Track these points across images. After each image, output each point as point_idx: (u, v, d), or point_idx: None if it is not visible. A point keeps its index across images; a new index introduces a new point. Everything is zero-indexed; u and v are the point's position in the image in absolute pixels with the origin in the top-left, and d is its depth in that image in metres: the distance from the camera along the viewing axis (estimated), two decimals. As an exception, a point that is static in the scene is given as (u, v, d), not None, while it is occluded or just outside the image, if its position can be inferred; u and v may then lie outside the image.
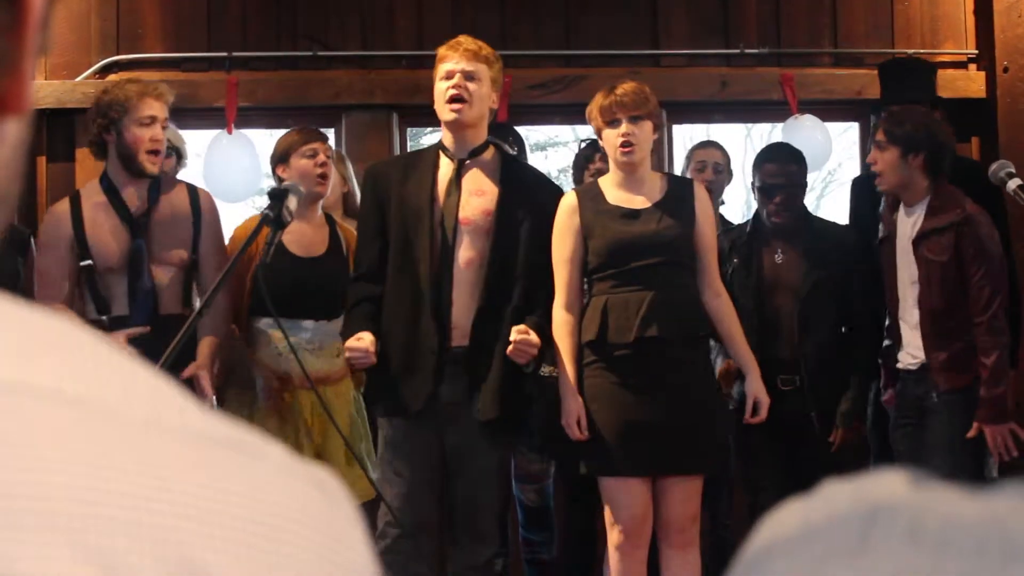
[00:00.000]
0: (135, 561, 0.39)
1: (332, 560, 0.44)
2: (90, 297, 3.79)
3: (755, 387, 3.75)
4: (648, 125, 3.70)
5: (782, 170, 4.31)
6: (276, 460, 0.45)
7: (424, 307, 3.55)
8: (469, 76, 3.59)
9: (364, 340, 3.52)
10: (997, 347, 3.84)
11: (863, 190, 4.74)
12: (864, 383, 4.27)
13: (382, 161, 4.06)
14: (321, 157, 4.09)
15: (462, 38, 3.69)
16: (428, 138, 10.26)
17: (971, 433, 3.86)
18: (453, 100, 3.58)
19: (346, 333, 3.63)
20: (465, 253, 3.59)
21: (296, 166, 4.07)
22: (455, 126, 3.63)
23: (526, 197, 3.67)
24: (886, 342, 4.20)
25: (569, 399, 3.64)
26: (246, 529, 0.42)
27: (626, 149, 3.67)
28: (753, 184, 4.41)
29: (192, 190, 3.98)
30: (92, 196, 3.85)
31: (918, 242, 3.94)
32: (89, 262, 3.77)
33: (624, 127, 3.66)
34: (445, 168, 3.66)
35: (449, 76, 3.60)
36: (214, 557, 0.40)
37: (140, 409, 0.43)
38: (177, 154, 4.47)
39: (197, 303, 3.85)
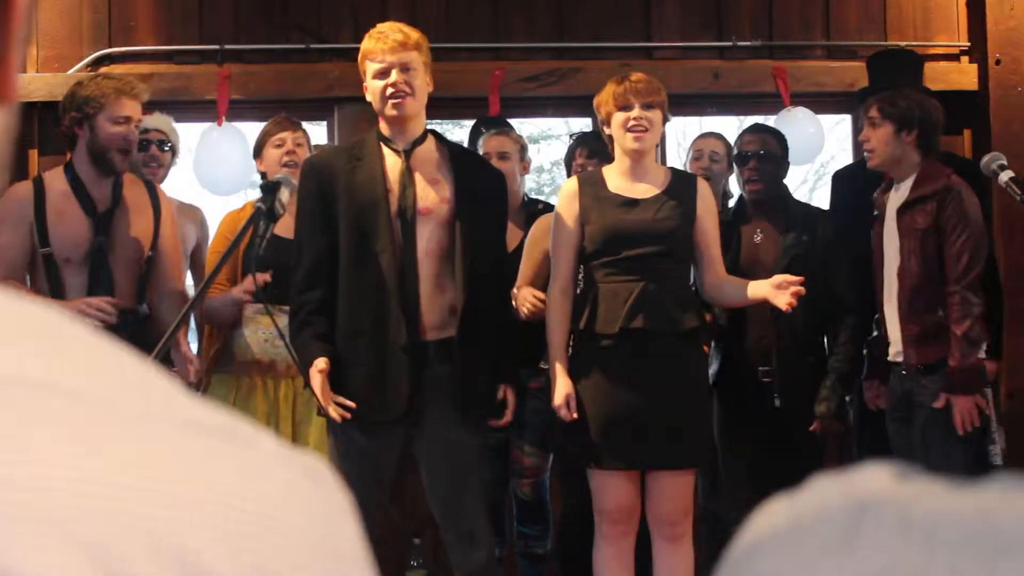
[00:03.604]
0: (127, 552, 0.39)
1: (324, 549, 0.44)
2: (46, 284, 3.78)
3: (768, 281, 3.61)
4: (659, 115, 3.70)
5: (758, 138, 4.35)
6: (268, 449, 0.45)
7: (391, 302, 3.40)
8: (404, 68, 3.44)
9: (323, 391, 3.37)
10: (970, 316, 3.77)
11: (844, 184, 4.74)
12: (841, 383, 4.18)
13: (322, 152, 3.85)
14: (289, 146, 4.12)
15: (386, 27, 3.51)
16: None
17: (938, 404, 3.80)
18: (394, 96, 3.43)
19: (303, 357, 3.44)
20: (426, 244, 3.48)
21: (267, 157, 4.13)
22: (398, 120, 3.49)
23: (479, 183, 3.59)
24: (874, 332, 4.17)
25: (558, 381, 3.63)
26: (238, 519, 0.42)
27: (638, 133, 3.65)
28: (734, 158, 4.43)
29: (149, 186, 3.99)
30: (56, 184, 3.82)
31: (902, 212, 3.91)
32: (49, 249, 3.76)
33: (637, 111, 3.65)
34: (392, 158, 3.51)
35: (384, 73, 3.43)
36: (206, 547, 0.40)
37: (133, 400, 0.43)
38: (172, 150, 4.46)
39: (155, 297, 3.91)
